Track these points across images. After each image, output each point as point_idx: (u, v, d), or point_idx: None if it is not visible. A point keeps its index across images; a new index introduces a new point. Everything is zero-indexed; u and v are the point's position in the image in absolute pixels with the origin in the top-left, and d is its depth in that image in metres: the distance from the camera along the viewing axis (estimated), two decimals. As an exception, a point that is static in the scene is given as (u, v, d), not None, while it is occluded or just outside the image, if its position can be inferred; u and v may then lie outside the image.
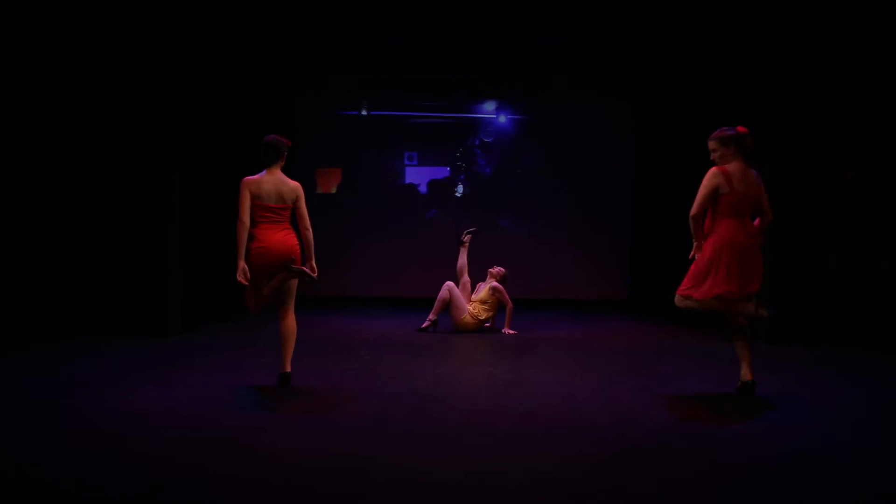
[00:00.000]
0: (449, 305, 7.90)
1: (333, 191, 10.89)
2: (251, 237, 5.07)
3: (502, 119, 10.74)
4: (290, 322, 5.26)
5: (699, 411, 4.77)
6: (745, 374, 5.08)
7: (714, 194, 5.00)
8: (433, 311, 7.96)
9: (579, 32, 9.23)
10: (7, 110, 7.49)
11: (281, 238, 5.10)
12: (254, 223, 5.06)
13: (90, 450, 3.85)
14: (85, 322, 7.46)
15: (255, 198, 5.06)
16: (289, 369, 5.26)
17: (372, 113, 10.84)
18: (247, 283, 5.03)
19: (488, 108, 10.77)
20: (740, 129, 5.01)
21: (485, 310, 7.97)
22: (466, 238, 8.27)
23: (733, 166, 4.97)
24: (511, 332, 7.89)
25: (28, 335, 7.15)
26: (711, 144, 5.12)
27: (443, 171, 10.86)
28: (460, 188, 10.50)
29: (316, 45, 9.94)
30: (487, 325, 8.05)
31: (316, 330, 8.07)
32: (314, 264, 5.21)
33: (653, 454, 3.89)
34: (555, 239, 10.46)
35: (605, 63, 10.34)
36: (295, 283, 5.25)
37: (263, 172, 5.16)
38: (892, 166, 7.36)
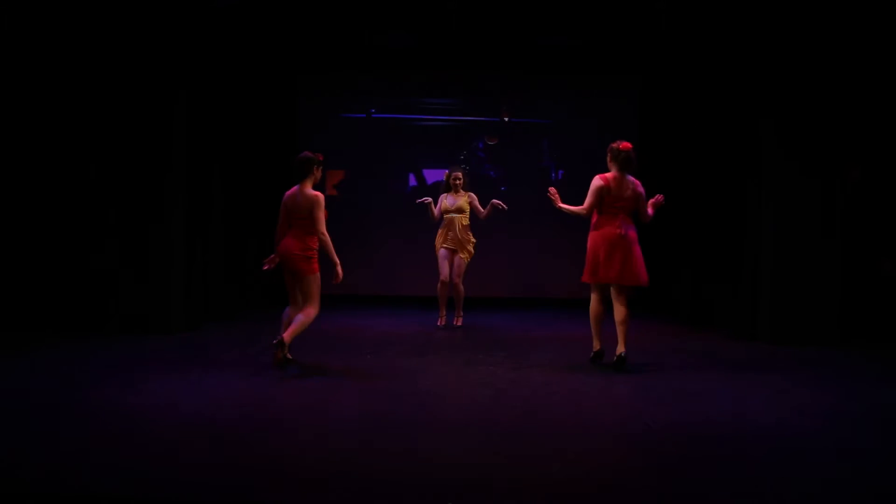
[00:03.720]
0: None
1: (339, 193, 10.92)
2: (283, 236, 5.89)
3: (506, 120, 10.75)
4: (299, 312, 5.80)
5: (700, 410, 4.78)
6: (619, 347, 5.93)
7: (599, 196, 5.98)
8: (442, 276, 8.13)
9: (583, 33, 9.24)
10: (15, 111, 7.54)
11: (286, 243, 5.81)
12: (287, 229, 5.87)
13: (91, 447, 3.88)
14: (88, 320, 7.50)
15: (285, 209, 5.87)
16: (284, 337, 5.62)
17: (376, 115, 10.87)
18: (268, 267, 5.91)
19: (492, 110, 10.78)
20: (622, 144, 6.05)
21: (465, 217, 8.12)
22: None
23: (611, 174, 6.02)
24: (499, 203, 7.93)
25: (30, 333, 7.18)
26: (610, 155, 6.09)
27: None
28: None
29: (320, 47, 9.98)
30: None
31: (319, 328, 8.08)
32: (338, 269, 5.86)
33: (654, 453, 3.91)
34: (558, 238, 10.46)
35: (610, 63, 10.35)
36: (304, 286, 5.79)
37: (296, 187, 5.88)
38: (893, 166, 7.36)
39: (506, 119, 10.67)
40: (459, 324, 8.39)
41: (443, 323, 8.35)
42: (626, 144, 6.06)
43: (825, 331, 7.23)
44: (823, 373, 6.02)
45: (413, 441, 4.06)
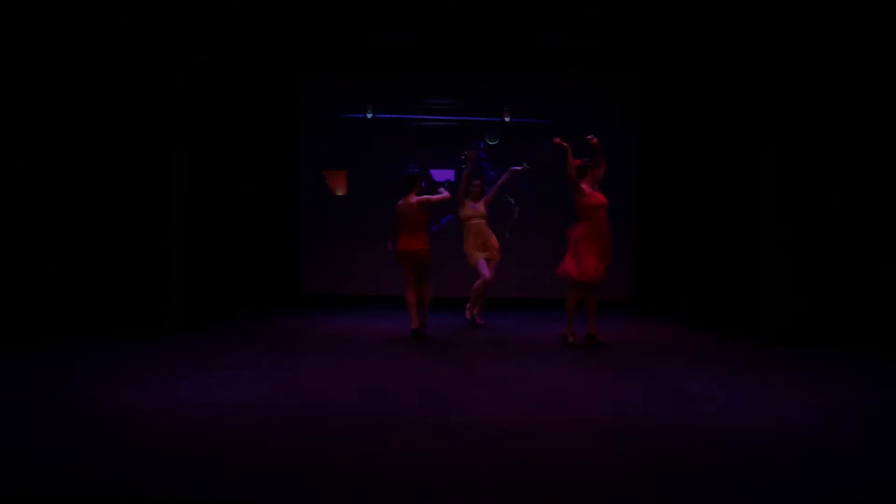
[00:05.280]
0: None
1: (341, 193, 10.93)
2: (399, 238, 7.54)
3: (506, 120, 10.75)
4: (423, 290, 7.58)
5: (700, 411, 4.78)
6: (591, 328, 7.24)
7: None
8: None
9: (584, 33, 9.25)
10: (18, 109, 7.53)
11: (409, 244, 7.45)
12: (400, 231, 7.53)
13: (91, 447, 3.89)
14: (88, 320, 7.50)
15: (399, 215, 7.54)
16: (415, 325, 7.48)
17: (377, 116, 10.87)
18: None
19: (492, 110, 10.78)
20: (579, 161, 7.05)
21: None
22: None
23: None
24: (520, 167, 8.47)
25: (31, 333, 7.18)
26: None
27: (447, 174, 10.88)
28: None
29: (320, 46, 10.00)
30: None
31: (321, 329, 8.11)
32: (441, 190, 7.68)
33: (654, 453, 3.91)
34: (558, 239, 10.45)
35: (608, 64, 10.37)
36: (426, 269, 7.62)
37: (405, 198, 7.51)
38: (893, 172, 7.32)
39: (507, 119, 10.68)
40: (480, 322, 8.52)
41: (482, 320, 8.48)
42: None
43: (826, 331, 7.23)
44: (824, 373, 6.02)
45: (414, 441, 4.06)
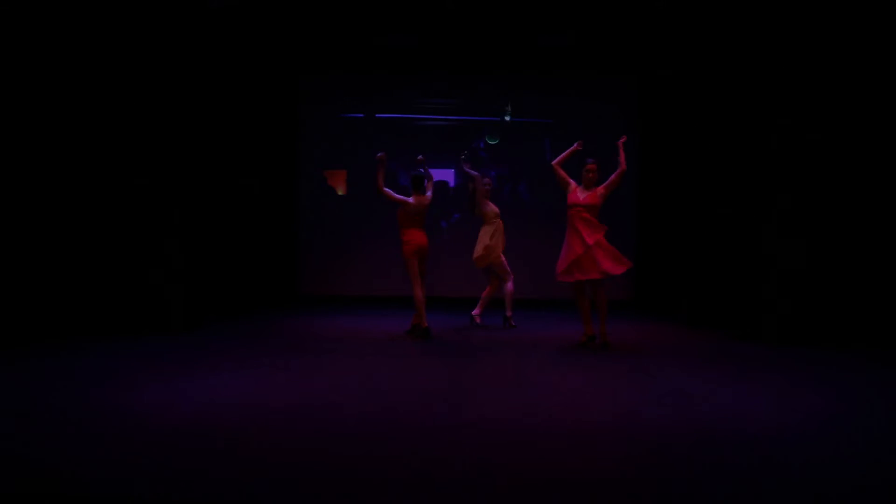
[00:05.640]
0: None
1: (341, 193, 10.93)
2: (405, 234, 7.55)
3: (506, 119, 10.76)
4: (422, 289, 7.57)
5: (701, 411, 4.78)
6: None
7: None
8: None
9: (584, 32, 9.26)
10: (14, 112, 7.53)
11: (422, 238, 7.55)
12: (404, 226, 7.53)
13: (91, 447, 3.88)
14: (88, 321, 7.49)
15: (412, 211, 7.51)
16: (425, 324, 7.52)
17: (377, 115, 10.88)
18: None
19: (492, 110, 10.79)
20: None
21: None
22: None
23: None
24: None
25: (31, 334, 7.17)
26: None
27: (447, 174, 10.89)
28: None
29: (321, 48, 10.01)
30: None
31: (321, 329, 8.10)
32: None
33: (654, 453, 3.91)
34: (558, 239, 10.45)
35: (607, 63, 10.38)
36: (426, 262, 7.67)
37: (414, 196, 7.60)
38: (893, 172, 7.32)
39: (507, 118, 10.66)
40: (480, 322, 8.47)
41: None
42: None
43: (826, 331, 7.22)
44: (824, 373, 6.02)
45: (414, 441, 4.06)
